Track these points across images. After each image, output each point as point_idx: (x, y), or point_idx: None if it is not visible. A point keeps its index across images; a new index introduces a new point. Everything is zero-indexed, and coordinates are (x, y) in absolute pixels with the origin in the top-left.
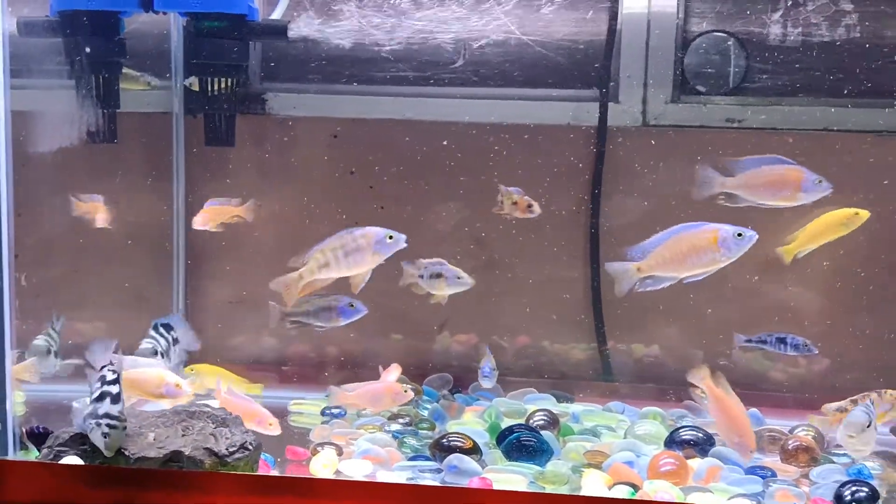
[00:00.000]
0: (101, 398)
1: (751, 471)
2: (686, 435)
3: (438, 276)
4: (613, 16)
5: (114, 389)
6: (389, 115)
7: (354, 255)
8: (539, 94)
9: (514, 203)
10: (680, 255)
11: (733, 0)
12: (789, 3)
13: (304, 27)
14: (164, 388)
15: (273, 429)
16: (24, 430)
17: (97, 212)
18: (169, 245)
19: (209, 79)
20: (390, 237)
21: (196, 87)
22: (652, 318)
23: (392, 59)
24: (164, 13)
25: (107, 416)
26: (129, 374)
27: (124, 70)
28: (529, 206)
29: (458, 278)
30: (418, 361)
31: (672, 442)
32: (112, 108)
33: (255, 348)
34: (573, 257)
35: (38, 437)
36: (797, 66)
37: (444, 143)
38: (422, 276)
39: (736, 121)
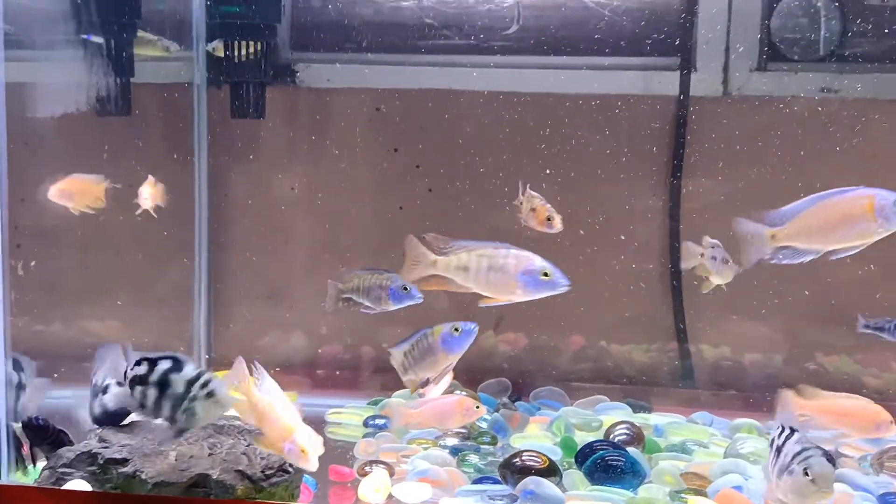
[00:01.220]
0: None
1: (884, 499)
2: None
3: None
4: None
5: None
6: (435, 85)
7: (495, 273)
8: (604, 63)
9: (533, 210)
10: (827, 224)
11: None
12: None
13: None
14: (285, 446)
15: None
16: (20, 423)
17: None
18: (189, 232)
19: (236, 42)
20: (546, 274)
21: (220, 53)
22: (734, 317)
23: (438, 25)
24: None
25: None
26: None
27: (139, 33)
28: (549, 218)
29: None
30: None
31: None
32: (125, 77)
33: (286, 349)
34: (647, 246)
35: (36, 432)
36: None
37: (498, 116)
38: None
39: (832, 90)
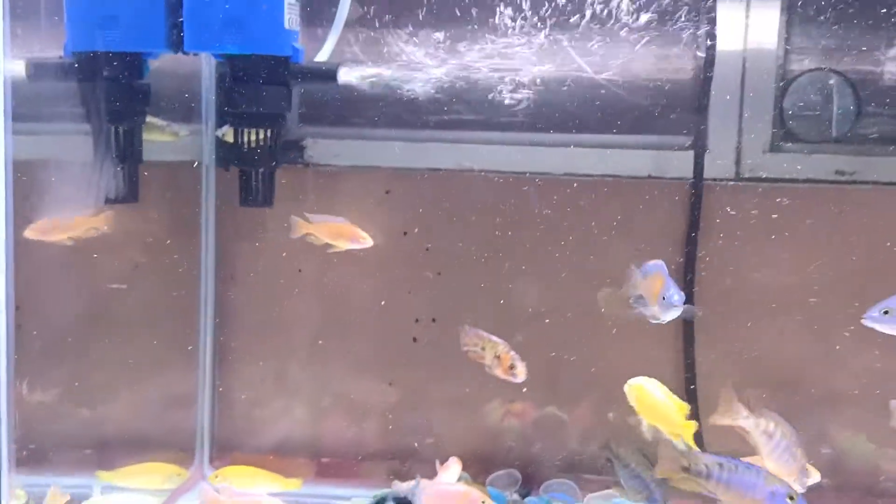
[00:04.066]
0: None
1: None
2: None
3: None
4: (711, 48)
5: None
6: (444, 165)
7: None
8: (615, 141)
9: (497, 357)
10: None
11: (841, 35)
12: None
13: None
14: None
15: None
16: None
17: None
18: (195, 314)
19: (245, 130)
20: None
21: (230, 139)
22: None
23: (448, 100)
24: (195, 54)
25: None
26: None
27: (148, 119)
28: (512, 366)
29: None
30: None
31: None
32: (133, 164)
33: (290, 433)
34: (661, 336)
35: None
36: None
37: (508, 197)
38: None
39: (847, 173)
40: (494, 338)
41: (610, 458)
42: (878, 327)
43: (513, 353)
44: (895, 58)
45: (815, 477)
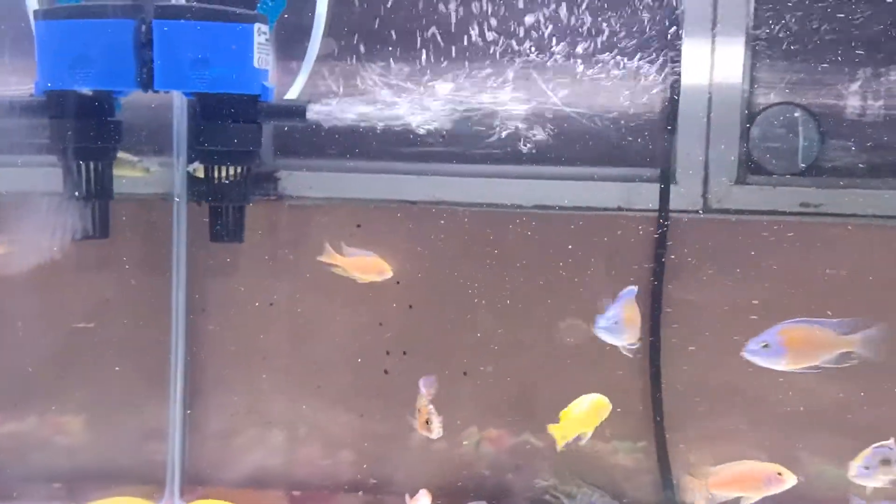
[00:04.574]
0: None
1: None
2: None
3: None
4: (675, 83)
5: None
6: (417, 197)
7: None
8: (585, 174)
9: (418, 410)
10: None
11: (806, 70)
12: (868, 72)
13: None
14: None
15: None
16: None
17: None
18: (166, 347)
19: (215, 166)
20: None
21: (200, 174)
22: (722, 443)
23: (420, 133)
24: (166, 92)
25: None
26: None
27: (119, 155)
28: (428, 422)
29: None
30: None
31: None
32: (104, 200)
33: (263, 468)
34: (630, 367)
35: None
36: (881, 142)
37: (477, 230)
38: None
39: (812, 206)
40: (422, 390)
41: (556, 496)
42: (758, 361)
43: (431, 407)
44: (857, 92)
45: (791, 480)
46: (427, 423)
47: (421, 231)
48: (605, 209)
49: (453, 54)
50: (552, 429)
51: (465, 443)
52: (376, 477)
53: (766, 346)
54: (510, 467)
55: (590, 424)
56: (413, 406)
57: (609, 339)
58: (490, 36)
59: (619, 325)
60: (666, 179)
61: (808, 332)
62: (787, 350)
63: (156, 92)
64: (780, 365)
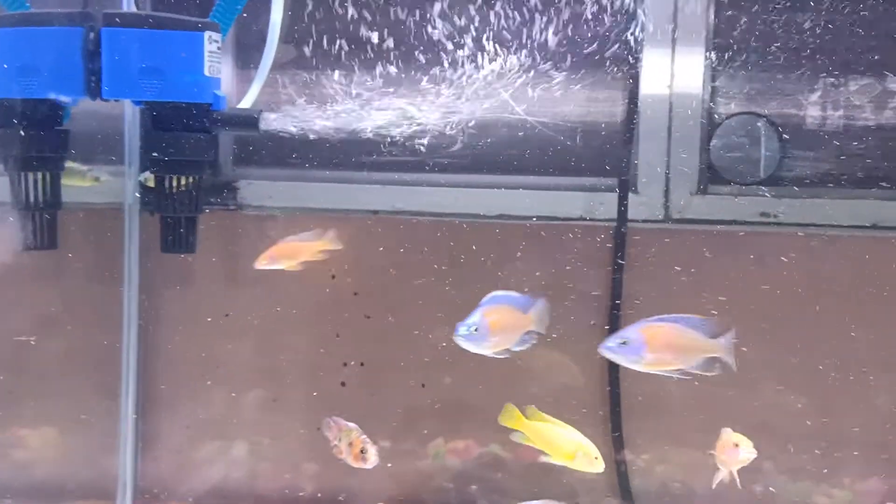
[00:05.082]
0: None
1: None
2: None
3: None
4: (633, 95)
5: None
6: (377, 206)
7: None
8: (547, 183)
9: (350, 444)
10: None
11: (766, 79)
12: (828, 82)
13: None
14: None
15: None
16: None
17: None
18: (118, 360)
19: (166, 176)
20: None
21: (151, 184)
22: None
23: (380, 142)
24: (116, 101)
25: None
26: None
27: (68, 164)
28: (363, 451)
29: None
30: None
31: None
32: (53, 210)
33: (219, 482)
34: (587, 373)
35: None
36: (840, 152)
37: (436, 240)
38: None
39: (771, 215)
40: (350, 424)
41: None
42: (616, 359)
43: (364, 437)
44: (818, 102)
45: (751, 451)
46: (362, 452)
47: (380, 241)
48: (568, 219)
49: (413, 62)
50: (519, 423)
51: (432, 456)
52: (336, 491)
53: (624, 343)
54: (475, 479)
55: (558, 454)
56: (341, 436)
57: (469, 346)
58: (449, 44)
59: (481, 333)
60: (624, 189)
61: (672, 334)
62: (647, 349)
63: (105, 100)
64: (640, 365)
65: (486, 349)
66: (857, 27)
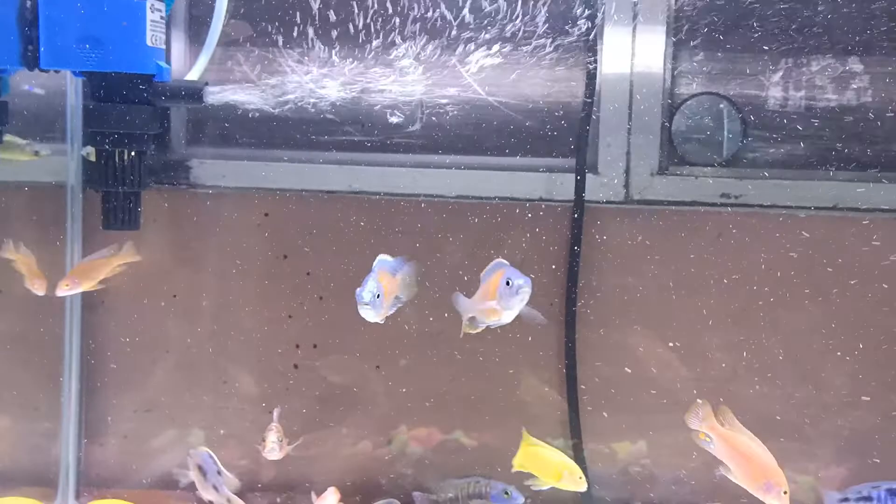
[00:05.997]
0: None
1: None
2: None
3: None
4: (591, 75)
5: None
6: (333, 186)
7: None
8: (507, 164)
9: (263, 440)
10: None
11: (727, 59)
12: (790, 63)
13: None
14: None
15: None
16: None
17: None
18: (60, 342)
19: (107, 150)
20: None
21: (93, 158)
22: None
23: (338, 121)
24: (56, 71)
25: None
26: None
27: (6, 137)
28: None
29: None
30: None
31: None
32: None
33: (167, 468)
34: (544, 356)
35: None
36: (801, 133)
37: (396, 219)
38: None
39: (732, 196)
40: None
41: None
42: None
43: (274, 426)
44: (779, 83)
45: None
46: (263, 440)
47: (333, 220)
48: (528, 199)
49: (371, 39)
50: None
51: (389, 443)
52: (286, 476)
53: (508, 283)
54: (433, 465)
55: (546, 475)
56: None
57: (370, 315)
58: (409, 23)
59: (382, 299)
60: (581, 170)
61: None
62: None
63: (43, 71)
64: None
65: (382, 316)
66: (820, 7)
